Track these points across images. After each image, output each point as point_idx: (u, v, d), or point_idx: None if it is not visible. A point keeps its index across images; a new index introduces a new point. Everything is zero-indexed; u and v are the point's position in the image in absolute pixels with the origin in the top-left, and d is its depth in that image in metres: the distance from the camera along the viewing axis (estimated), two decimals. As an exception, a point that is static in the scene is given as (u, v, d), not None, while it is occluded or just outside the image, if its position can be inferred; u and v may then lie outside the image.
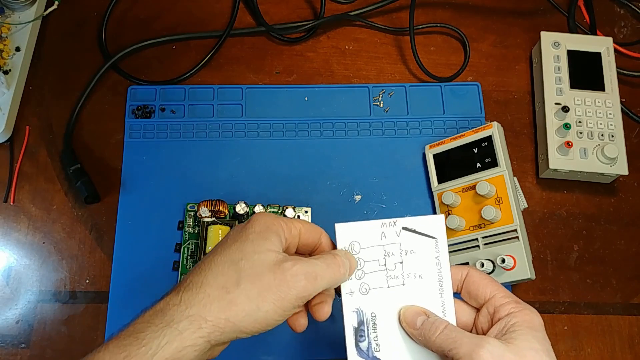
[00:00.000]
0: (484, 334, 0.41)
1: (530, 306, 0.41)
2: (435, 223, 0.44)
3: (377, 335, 0.43)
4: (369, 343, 0.43)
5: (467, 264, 0.60)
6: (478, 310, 0.43)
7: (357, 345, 0.43)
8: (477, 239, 0.60)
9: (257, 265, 0.39)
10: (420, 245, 0.44)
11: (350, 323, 0.43)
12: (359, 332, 0.43)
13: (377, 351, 0.43)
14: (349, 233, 0.44)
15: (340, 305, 0.44)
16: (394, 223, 0.44)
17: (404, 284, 0.43)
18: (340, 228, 0.44)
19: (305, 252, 0.45)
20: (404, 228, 0.44)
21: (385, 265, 0.44)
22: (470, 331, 0.43)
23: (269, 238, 0.40)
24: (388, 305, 0.43)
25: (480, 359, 0.37)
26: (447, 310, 0.43)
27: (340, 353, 0.45)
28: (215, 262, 0.40)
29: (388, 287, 0.43)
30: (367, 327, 0.43)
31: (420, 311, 0.42)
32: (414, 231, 0.44)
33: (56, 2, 0.71)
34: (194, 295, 0.38)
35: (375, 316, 0.43)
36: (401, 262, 0.44)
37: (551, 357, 0.38)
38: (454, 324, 0.42)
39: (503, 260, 0.57)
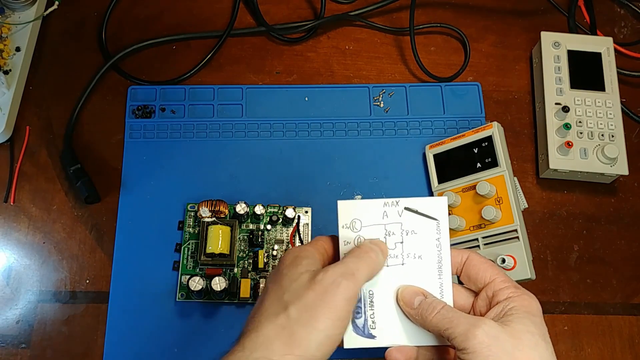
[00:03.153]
0: None
1: (529, 292, 0.41)
2: (438, 205, 0.44)
3: (373, 313, 0.43)
4: (365, 320, 0.43)
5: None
6: (477, 294, 0.43)
7: (353, 322, 0.43)
8: (477, 239, 0.60)
9: (297, 291, 0.39)
10: (422, 226, 0.44)
11: None
12: (355, 309, 0.43)
13: (372, 328, 0.43)
14: (351, 210, 0.44)
15: None
16: (397, 203, 0.44)
17: (403, 264, 0.43)
18: (343, 205, 0.44)
19: None
20: (406, 208, 0.44)
21: (385, 244, 0.44)
22: (468, 314, 0.43)
23: (300, 264, 0.41)
24: (386, 284, 0.43)
25: (475, 338, 0.37)
26: (444, 291, 0.43)
27: (342, 352, 0.45)
28: (264, 306, 0.40)
29: (387, 266, 0.43)
30: (364, 304, 0.43)
31: (418, 291, 0.42)
32: (416, 212, 0.44)
33: (56, 2, 0.71)
34: (254, 339, 0.39)
35: (372, 294, 0.43)
36: (401, 242, 0.44)
37: (547, 342, 0.38)
38: (451, 305, 0.43)
39: (503, 260, 0.57)
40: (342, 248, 0.44)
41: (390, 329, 0.43)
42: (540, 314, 0.40)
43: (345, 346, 0.43)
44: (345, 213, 0.44)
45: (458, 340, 0.38)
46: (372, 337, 0.43)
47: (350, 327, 0.43)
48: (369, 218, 0.44)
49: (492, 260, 0.58)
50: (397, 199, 0.44)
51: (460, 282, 0.45)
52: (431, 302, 0.41)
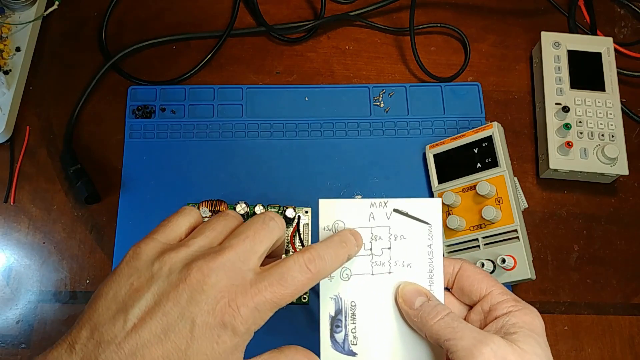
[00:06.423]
0: None
1: (529, 305, 0.38)
2: (431, 207, 0.40)
3: (355, 327, 0.39)
4: (346, 335, 0.39)
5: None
6: (471, 307, 0.40)
7: (332, 337, 0.39)
8: (477, 239, 0.60)
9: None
10: (412, 230, 0.40)
11: (326, 311, 0.39)
12: (335, 322, 0.39)
13: (353, 344, 0.39)
14: (334, 210, 0.40)
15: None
16: (385, 204, 0.40)
17: (390, 272, 0.39)
18: (324, 204, 0.40)
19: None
20: (395, 210, 0.40)
21: (371, 249, 0.39)
22: None
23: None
24: (370, 295, 0.39)
25: (482, 356, 0.34)
26: None
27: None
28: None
29: (372, 274, 0.39)
30: (345, 316, 0.39)
31: (422, 291, 0.39)
32: (406, 214, 0.40)
33: (56, 2, 0.71)
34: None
35: (355, 305, 0.39)
36: (389, 248, 0.40)
37: None
38: None
39: (503, 261, 0.57)
40: None
41: (373, 346, 0.39)
42: (544, 333, 0.37)
43: None
44: (327, 213, 0.40)
45: (459, 355, 0.35)
46: (352, 354, 0.39)
47: (328, 342, 0.39)
48: (353, 220, 0.40)
49: (492, 261, 0.58)
50: (385, 200, 0.40)
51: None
52: (435, 305, 0.38)
